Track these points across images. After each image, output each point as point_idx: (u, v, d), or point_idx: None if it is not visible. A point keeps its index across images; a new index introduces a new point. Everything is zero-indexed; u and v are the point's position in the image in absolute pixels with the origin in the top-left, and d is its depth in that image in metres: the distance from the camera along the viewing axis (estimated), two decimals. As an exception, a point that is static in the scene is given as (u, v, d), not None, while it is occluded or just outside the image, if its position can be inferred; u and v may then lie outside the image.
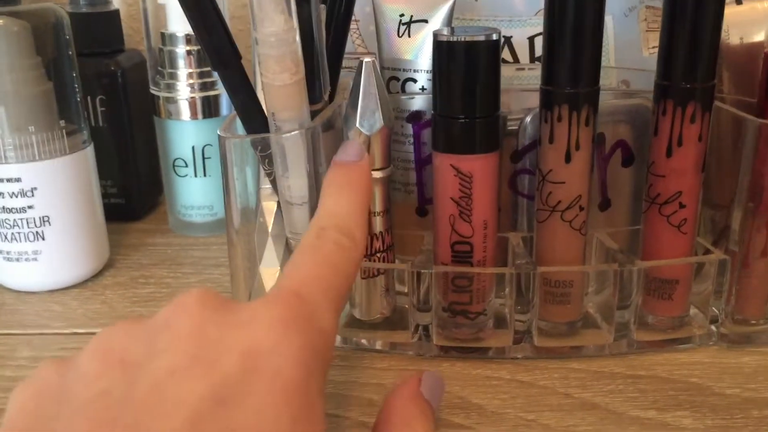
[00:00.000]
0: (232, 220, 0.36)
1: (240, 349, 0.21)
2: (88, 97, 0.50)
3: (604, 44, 0.48)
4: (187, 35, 0.47)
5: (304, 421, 0.20)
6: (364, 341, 0.37)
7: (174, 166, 0.50)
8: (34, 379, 0.22)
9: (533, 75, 0.45)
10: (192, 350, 0.21)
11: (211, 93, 0.48)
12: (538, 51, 0.47)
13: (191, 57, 0.48)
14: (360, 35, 0.48)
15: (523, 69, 0.46)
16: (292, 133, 0.33)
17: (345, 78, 0.40)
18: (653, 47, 0.48)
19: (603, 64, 0.48)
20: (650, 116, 0.35)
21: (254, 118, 0.34)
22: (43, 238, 0.42)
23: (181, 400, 0.19)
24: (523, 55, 0.48)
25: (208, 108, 0.48)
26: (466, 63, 0.32)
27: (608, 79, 0.46)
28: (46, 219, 0.41)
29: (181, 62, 0.48)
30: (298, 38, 0.31)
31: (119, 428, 0.19)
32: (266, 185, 0.37)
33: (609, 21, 0.48)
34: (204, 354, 0.21)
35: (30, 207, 0.41)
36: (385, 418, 0.26)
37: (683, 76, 0.32)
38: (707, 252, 0.36)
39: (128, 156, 0.52)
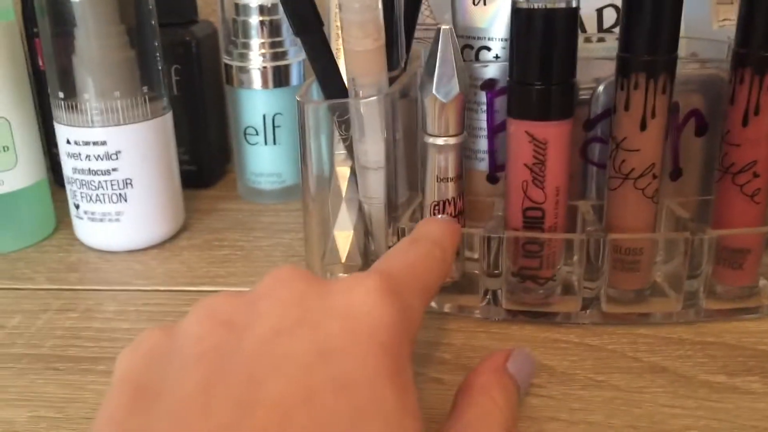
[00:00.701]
0: (309, 185, 0.37)
1: (340, 313, 0.22)
2: (165, 67, 0.51)
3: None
4: (260, 5, 0.48)
5: (398, 379, 0.21)
6: (432, 304, 0.38)
7: (245, 134, 0.51)
8: (141, 342, 0.24)
9: (601, 46, 0.45)
10: (294, 314, 0.22)
11: (282, 63, 0.49)
12: (607, 22, 0.47)
13: (264, 27, 0.49)
14: (429, 6, 0.49)
15: (590, 40, 0.46)
16: (372, 98, 0.34)
17: (416, 47, 0.41)
18: (723, 20, 0.48)
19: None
20: (723, 86, 0.35)
21: (333, 84, 0.35)
22: (126, 200, 0.43)
23: (290, 353, 0.21)
24: (591, 27, 0.48)
25: (279, 77, 0.50)
26: (545, 30, 0.32)
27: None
28: (128, 181, 0.43)
29: (253, 32, 0.49)
30: (380, 4, 0.32)
31: (233, 378, 0.20)
32: (340, 151, 0.38)
33: (679, -8, 0.48)
34: (306, 317, 0.22)
35: (114, 170, 0.43)
36: (466, 384, 0.27)
37: (762, 43, 0.32)
38: (780, 222, 0.36)
39: (200, 124, 0.54)
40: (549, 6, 0.32)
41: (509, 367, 0.28)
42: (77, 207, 0.44)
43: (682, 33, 0.47)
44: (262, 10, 0.48)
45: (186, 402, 0.20)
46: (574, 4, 0.32)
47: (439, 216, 0.36)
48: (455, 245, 0.31)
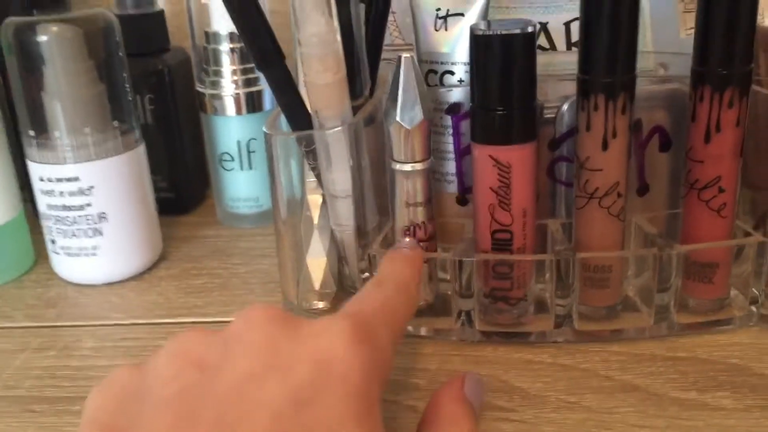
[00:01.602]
0: (279, 211, 0.38)
1: (312, 358, 0.23)
2: (137, 96, 0.51)
3: (640, 26, 0.49)
4: (230, 33, 0.49)
5: (366, 422, 0.22)
6: (409, 328, 0.38)
7: (221, 160, 0.51)
8: (112, 381, 0.24)
9: (569, 60, 0.45)
10: (267, 359, 0.22)
11: (255, 89, 0.50)
12: (575, 36, 0.47)
13: (235, 54, 0.49)
14: (397, 27, 0.49)
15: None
16: (335, 129, 0.34)
17: (384, 71, 0.41)
18: (690, 28, 0.48)
19: (639, 46, 0.48)
20: (687, 101, 0.35)
21: (298, 115, 0.35)
22: (101, 234, 0.44)
23: (263, 400, 0.21)
24: (560, 41, 0.48)
25: (252, 103, 0.50)
26: (503, 56, 0.33)
27: (645, 62, 0.46)
28: (103, 215, 0.43)
29: (225, 60, 0.49)
30: (339, 38, 0.33)
31: (202, 421, 0.21)
32: (311, 179, 0.39)
33: (645, 2, 0.48)
34: (279, 362, 0.22)
35: (88, 204, 0.43)
36: (431, 417, 0.28)
37: (720, 62, 0.33)
38: (747, 235, 0.37)
39: (177, 151, 0.54)
40: (505, 32, 0.32)
41: (466, 393, 0.29)
42: (53, 242, 0.44)
43: (649, 46, 0.48)
44: (232, 37, 0.49)
45: None
46: (530, 30, 0.32)
47: (405, 240, 0.36)
48: (418, 276, 0.32)
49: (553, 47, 0.48)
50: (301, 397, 0.21)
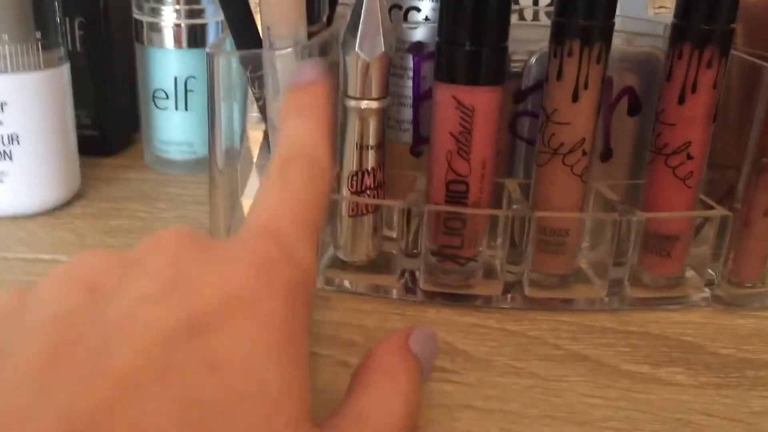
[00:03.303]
0: (216, 153, 0.34)
1: (220, 286, 0.19)
2: (66, 19, 0.47)
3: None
4: (176, -44, 0.45)
5: (285, 355, 0.19)
6: (347, 283, 0.36)
7: (154, 97, 0.47)
8: None
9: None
10: (168, 282, 0.19)
11: (199, 21, 0.46)
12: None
13: (179, -19, 0.45)
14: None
15: (524, 18, 0.44)
16: (287, 50, 0.31)
17: (342, 8, 0.38)
18: (659, 7, 0.47)
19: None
20: (659, 66, 0.33)
21: (246, 32, 0.32)
22: (11, 158, 0.39)
23: (153, 321, 0.18)
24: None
25: (194, 37, 0.46)
26: (477, -13, 0.30)
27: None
28: (15, 137, 0.39)
29: (168, -14, 0.45)
30: (299, -54, 0.29)
31: (82, 347, 0.17)
32: (253, 113, 0.35)
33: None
34: (180, 284, 0.19)
35: (-2, 123, 0.38)
36: (366, 365, 0.24)
37: (703, 16, 0.31)
38: (710, 208, 0.35)
39: (105, 85, 0.49)
40: (483, -40, 0.30)
41: (412, 347, 0.25)
42: (-46, 164, 0.40)
43: (618, 12, 0.46)
44: (178, -39, 0.45)
45: (24, 374, 0.17)
46: (509, -39, 0.30)
47: (309, 60, 0.32)
48: (326, 135, 0.26)
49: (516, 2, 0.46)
50: (201, 322, 0.18)
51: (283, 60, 0.31)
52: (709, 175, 0.38)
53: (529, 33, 0.36)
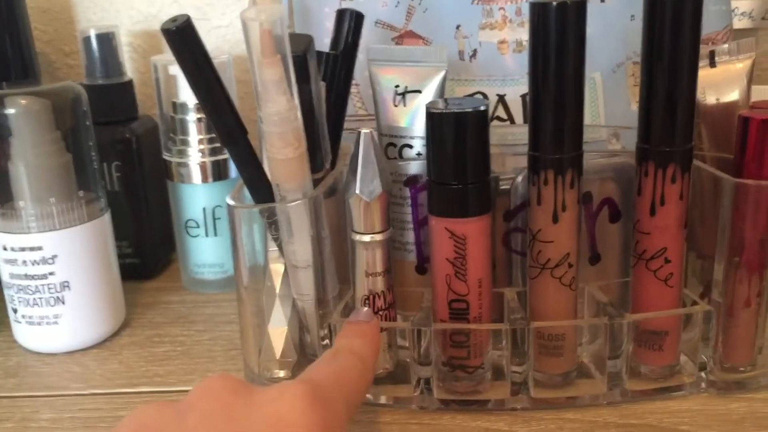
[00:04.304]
0: (241, 280, 0.38)
1: (267, 422, 0.23)
2: (104, 163, 0.52)
3: (593, 98, 0.51)
4: (197, 104, 0.50)
5: None
6: (369, 396, 0.39)
7: (186, 226, 0.52)
8: None
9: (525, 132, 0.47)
10: (221, 427, 0.23)
11: (221, 157, 0.51)
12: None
13: (201, 124, 0.50)
14: (360, 98, 0.51)
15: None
16: (296, 202, 0.35)
17: (346, 141, 0.42)
18: (640, 102, 0.51)
19: (593, 117, 0.50)
20: (634, 175, 0.37)
21: (261, 188, 0.36)
22: (63, 303, 0.44)
23: None
24: (517, 112, 0.50)
25: (218, 171, 0.51)
26: (457, 133, 0.34)
27: (598, 133, 0.48)
28: (66, 284, 0.43)
29: (191, 129, 0.50)
30: (299, 115, 0.34)
31: None
32: (273, 248, 0.39)
33: (598, 77, 0.51)
34: (233, 429, 0.23)
35: (51, 273, 0.43)
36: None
37: (661, 139, 0.34)
38: (694, 303, 0.38)
39: (143, 218, 0.54)
40: (458, 110, 0.34)
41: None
42: (15, 311, 0.44)
43: (602, 119, 0.50)
44: (199, 108, 0.50)
45: None
46: (482, 108, 0.34)
47: (363, 309, 0.37)
48: (375, 348, 0.32)
49: (510, 118, 0.50)
50: None
51: (294, 210, 0.36)
52: (700, 262, 0.41)
53: (514, 159, 0.40)
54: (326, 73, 0.40)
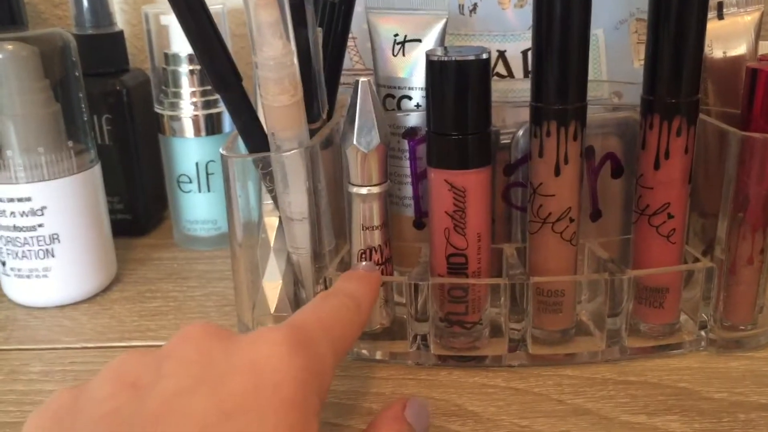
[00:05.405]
0: (235, 234, 0.37)
1: (243, 368, 0.22)
2: (95, 116, 0.51)
3: (595, 56, 0.50)
4: (189, 55, 0.49)
5: None
6: (364, 351, 0.38)
7: (178, 182, 0.51)
8: (50, 404, 0.24)
9: (526, 87, 0.46)
10: (197, 372, 0.23)
11: (214, 111, 0.50)
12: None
13: (194, 76, 0.49)
14: (358, 51, 0.49)
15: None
16: (292, 151, 0.34)
17: (343, 95, 0.41)
18: (643, 59, 0.50)
19: (595, 75, 0.49)
20: (638, 129, 0.36)
21: (255, 137, 0.35)
22: (53, 256, 0.43)
23: (189, 413, 0.21)
24: (517, 69, 0.49)
25: (211, 125, 0.50)
26: (458, 81, 0.33)
27: (600, 90, 0.47)
28: (55, 237, 0.43)
29: (184, 81, 0.49)
30: (296, 61, 0.33)
31: None
32: (268, 201, 0.38)
33: (600, 34, 0.49)
34: (209, 374, 0.22)
35: (40, 225, 0.42)
36: None
37: (668, 91, 0.33)
38: (696, 260, 0.37)
39: (134, 173, 0.53)
40: (460, 58, 0.33)
41: (407, 417, 0.28)
42: (4, 264, 0.43)
43: (604, 75, 0.49)
44: (191, 59, 0.49)
45: None
46: (484, 56, 0.33)
47: (362, 263, 0.36)
48: (372, 295, 0.31)
49: (510, 75, 0.49)
50: (229, 407, 0.21)
51: (290, 159, 0.35)
52: (701, 221, 0.40)
53: (513, 113, 0.39)
54: (323, 22, 0.39)
